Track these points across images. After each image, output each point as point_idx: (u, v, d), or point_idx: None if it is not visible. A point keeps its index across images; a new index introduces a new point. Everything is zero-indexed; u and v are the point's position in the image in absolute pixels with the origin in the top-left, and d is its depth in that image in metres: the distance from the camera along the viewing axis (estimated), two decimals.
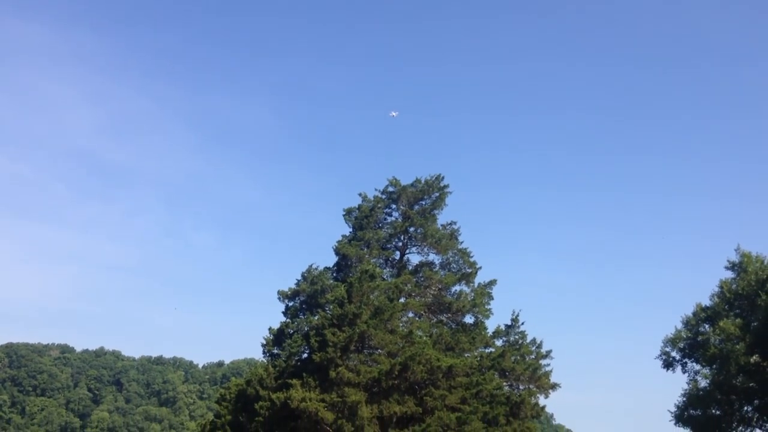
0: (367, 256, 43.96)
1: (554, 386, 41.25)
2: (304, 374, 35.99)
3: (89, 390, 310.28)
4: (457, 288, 44.90)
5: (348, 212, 47.81)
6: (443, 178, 46.35)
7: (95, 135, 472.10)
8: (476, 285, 45.00)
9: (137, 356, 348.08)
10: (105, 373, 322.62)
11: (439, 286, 44.11)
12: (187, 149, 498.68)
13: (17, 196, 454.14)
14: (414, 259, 46.51)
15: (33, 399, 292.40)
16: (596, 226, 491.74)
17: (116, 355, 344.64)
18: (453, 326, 44.18)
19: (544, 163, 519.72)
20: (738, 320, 38.44)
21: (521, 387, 41.20)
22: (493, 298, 44.99)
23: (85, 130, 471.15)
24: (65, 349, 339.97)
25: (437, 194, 46.19)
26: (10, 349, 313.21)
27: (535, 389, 40.79)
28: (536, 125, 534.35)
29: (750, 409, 37.33)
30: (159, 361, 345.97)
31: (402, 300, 40.94)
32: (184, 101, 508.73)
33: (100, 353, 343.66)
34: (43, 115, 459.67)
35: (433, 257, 46.01)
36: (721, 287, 41.18)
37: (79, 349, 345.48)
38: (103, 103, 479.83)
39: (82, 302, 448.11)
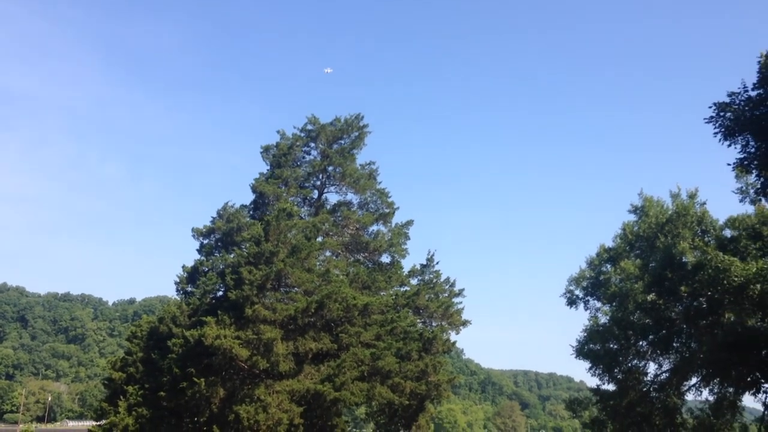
0: (284, 194, 43.37)
1: (465, 323, 42.72)
2: (219, 312, 35.62)
3: None
4: (374, 228, 45.30)
5: (266, 149, 46.78)
6: (363, 117, 45.98)
7: None
8: (393, 225, 45.51)
9: (43, 292, 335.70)
10: (8, 309, 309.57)
11: (357, 226, 44.27)
12: (93, 76, 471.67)
13: None
14: (332, 198, 46.43)
15: None
16: (509, 168, 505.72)
17: (20, 291, 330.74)
18: (370, 265, 44.68)
19: (460, 101, 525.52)
20: (638, 261, 40.59)
21: (434, 324, 42.44)
22: (409, 238, 45.74)
23: None
24: None
25: (356, 134, 45.80)
26: None
27: (447, 326, 42.12)
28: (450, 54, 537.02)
29: (645, 343, 39.84)
30: (66, 297, 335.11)
31: (319, 239, 40.88)
32: (87, 23, 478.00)
33: (2, 289, 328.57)
34: None
35: (352, 197, 46.04)
36: (624, 229, 43.20)
37: None
38: None
39: None
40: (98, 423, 44.06)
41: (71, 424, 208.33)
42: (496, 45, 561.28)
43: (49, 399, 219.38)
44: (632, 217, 43.43)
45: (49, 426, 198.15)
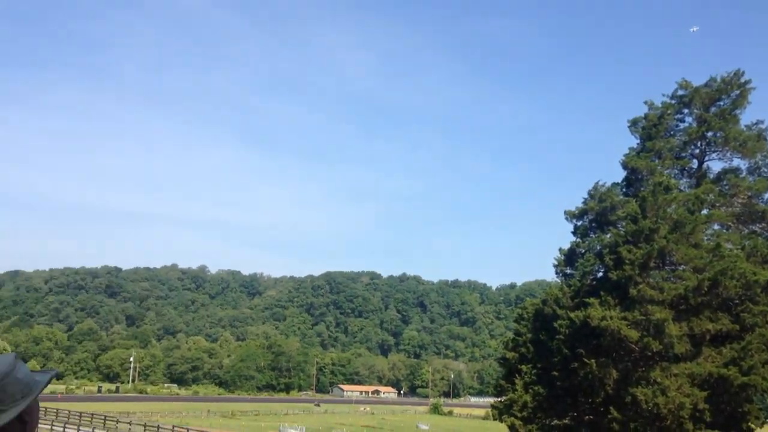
0: (659, 167, 41.09)
1: None
2: (601, 293, 35.55)
3: (398, 311, 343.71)
4: None
5: (633, 123, 44.92)
6: (743, 73, 40.60)
7: (371, 77, 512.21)
8: None
9: (435, 280, 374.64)
10: (409, 296, 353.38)
11: (748, 194, 39.60)
12: (455, 79, 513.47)
13: (316, 142, 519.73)
14: (715, 166, 42.13)
15: (353, 320, 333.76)
16: None
17: (417, 280, 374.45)
18: None
19: None
20: None
21: None
22: None
23: (363, 73, 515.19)
24: (373, 276, 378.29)
25: (737, 92, 40.84)
26: (329, 277, 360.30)
27: None
28: None
29: None
30: (455, 284, 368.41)
31: (704, 211, 37.79)
32: (445, 30, 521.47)
33: (403, 278, 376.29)
34: (323, 63, 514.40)
35: (738, 162, 41.17)
36: None
37: (384, 275, 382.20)
38: (374, 46, 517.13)
39: (382, 232, 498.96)
40: (499, 399, 47.77)
41: (473, 399, 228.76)
42: None
43: (452, 376, 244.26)
44: None
45: (455, 400, 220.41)
